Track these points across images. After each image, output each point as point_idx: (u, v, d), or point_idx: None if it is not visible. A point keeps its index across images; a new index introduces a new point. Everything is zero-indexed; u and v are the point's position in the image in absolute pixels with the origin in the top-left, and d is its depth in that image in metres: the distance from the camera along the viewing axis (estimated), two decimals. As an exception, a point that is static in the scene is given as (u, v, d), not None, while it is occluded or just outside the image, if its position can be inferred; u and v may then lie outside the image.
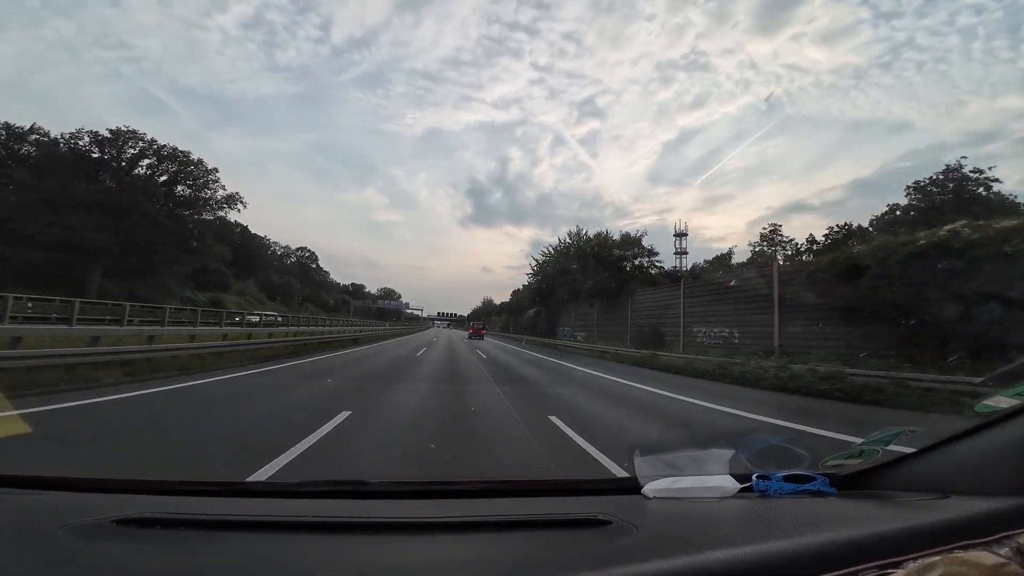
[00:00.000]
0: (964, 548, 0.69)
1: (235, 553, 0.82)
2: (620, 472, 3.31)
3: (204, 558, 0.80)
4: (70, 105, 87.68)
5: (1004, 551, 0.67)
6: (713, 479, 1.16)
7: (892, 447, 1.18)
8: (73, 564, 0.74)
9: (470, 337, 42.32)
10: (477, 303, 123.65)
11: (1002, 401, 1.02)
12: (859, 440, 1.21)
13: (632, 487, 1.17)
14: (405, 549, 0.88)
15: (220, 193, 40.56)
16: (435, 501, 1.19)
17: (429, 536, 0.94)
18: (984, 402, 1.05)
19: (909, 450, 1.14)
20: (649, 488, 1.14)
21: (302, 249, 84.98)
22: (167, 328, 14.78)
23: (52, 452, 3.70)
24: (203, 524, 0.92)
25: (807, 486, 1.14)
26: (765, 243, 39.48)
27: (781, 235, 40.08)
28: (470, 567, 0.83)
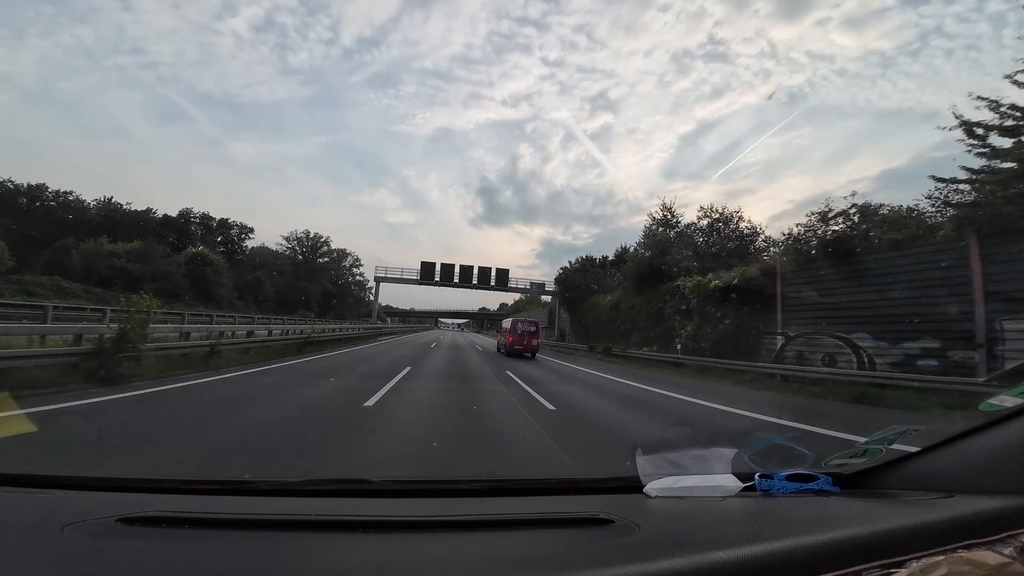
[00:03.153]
0: (968, 547, 0.69)
1: (239, 552, 0.83)
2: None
3: (208, 557, 0.80)
4: (94, 112, 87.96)
5: (1008, 551, 0.67)
6: (716, 478, 1.16)
7: (896, 446, 1.17)
8: (77, 563, 0.75)
9: (507, 351, 20.49)
10: (492, 304, 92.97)
11: (1007, 400, 1.01)
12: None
13: (634, 486, 1.17)
14: (408, 548, 0.89)
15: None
16: (438, 500, 1.20)
17: (432, 535, 0.94)
18: (989, 401, 1.05)
19: (913, 449, 1.13)
20: (651, 487, 1.14)
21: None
22: None
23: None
24: (207, 523, 0.92)
25: (810, 485, 1.14)
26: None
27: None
28: (473, 565, 0.83)
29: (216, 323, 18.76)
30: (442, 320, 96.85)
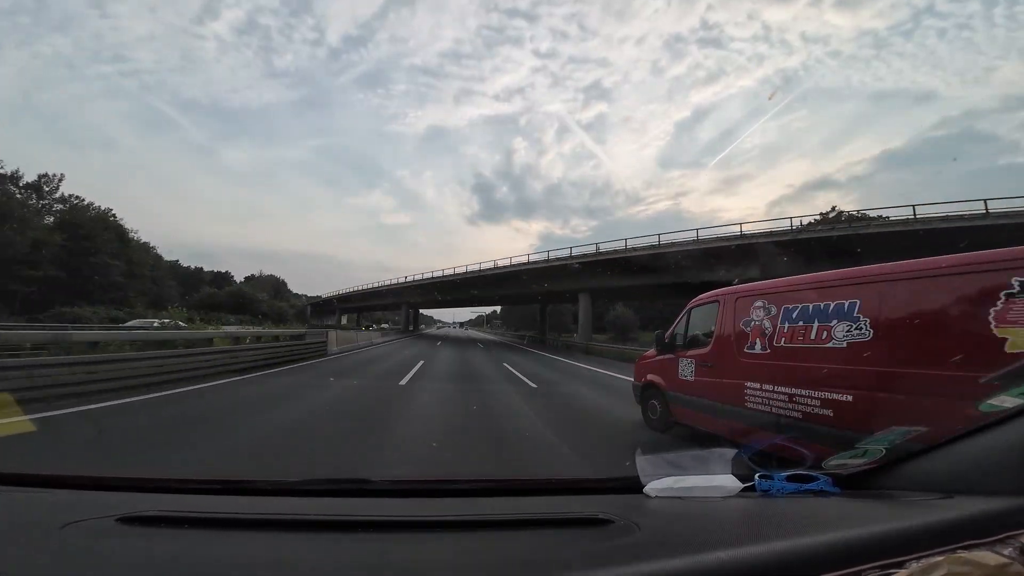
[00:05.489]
0: (967, 548, 0.69)
1: (238, 551, 0.83)
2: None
3: (207, 557, 0.80)
4: (79, 124, 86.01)
5: (1008, 551, 0.67)
6: (715, 478, 1.16)
7: (896, 447, 1.17)
8: (76, 563, 0.75)
9: None
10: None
11: (1007, 400, 1.02)
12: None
13: (634, 486, 1.17)
14: (407, 547, 0.88)
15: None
16: (437, 500, 1.20)
17: (431, 534, 0.94)
18: (989, 401, 1.05)
19: (913, 449, 1.13)
20: (651, 487, 1.14)
21: None
22: None
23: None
24: (206, 522, 0.92)
25: (810, 486, 1.14)
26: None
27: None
28: (472, 566, 0.83)
29: None
30: (429, 312, 60.41)
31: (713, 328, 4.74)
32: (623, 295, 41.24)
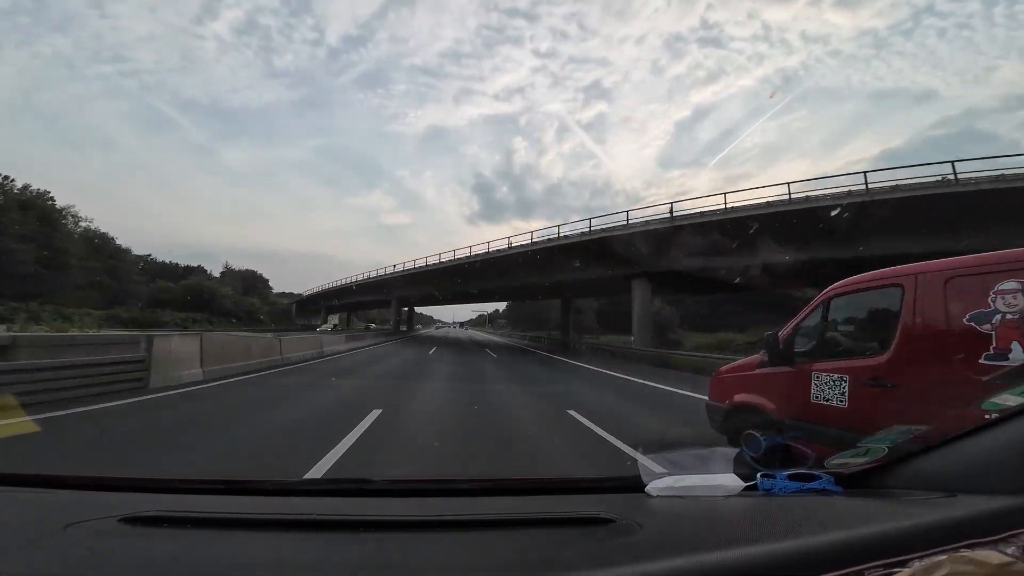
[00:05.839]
0: (970, 547, 0.69)
1: (239, 551, 0.83)
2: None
3: (208, 556, 0.80)
4: (79, 124, 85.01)
5: (1011, 550, 0.67)
6: (717, 477, 1.16)
7: (898, 445, 1.17)
8: (79, 563, 0.75)
9: None
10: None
11: (1009, 399, 1.01)
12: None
13: (635, 485, 1.17)
14: (408, 547, 0.88)
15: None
16: (438, 499, 1.20)
17: (432, 534, 0.94)
18: (991, 399, 1.05)
19: (915, 448, 1.13)
20: (653, 486, 1.14)
21: None
22: None
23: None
24: (208, 522, 0.93)
25: (812, 484, 1.14)
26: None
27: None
28: (472, 565, 0.83)
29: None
30: (428, 312, 55.34)
31: (890, 326, 3.00)
32: (702, 286, 23.04)
